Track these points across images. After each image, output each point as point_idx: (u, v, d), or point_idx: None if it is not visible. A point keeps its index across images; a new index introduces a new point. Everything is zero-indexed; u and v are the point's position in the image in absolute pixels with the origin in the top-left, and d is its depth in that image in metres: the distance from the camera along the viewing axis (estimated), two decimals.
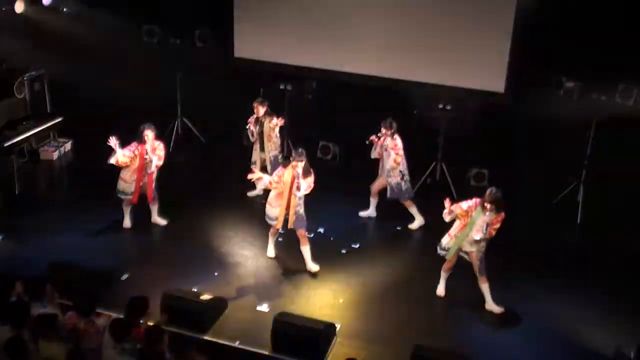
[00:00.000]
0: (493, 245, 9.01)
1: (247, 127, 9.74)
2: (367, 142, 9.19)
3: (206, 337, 7.24)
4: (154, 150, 8.87)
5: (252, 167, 9.90)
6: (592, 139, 9.87)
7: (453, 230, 7.83)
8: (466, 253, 7.85)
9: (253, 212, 9.87)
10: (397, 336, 7.43)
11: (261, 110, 9.61)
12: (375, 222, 9.75)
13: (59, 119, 11.26)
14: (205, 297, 7.44)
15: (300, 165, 8.10)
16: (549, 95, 9.88)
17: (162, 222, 9.39)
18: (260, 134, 9.71)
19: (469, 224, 7.63)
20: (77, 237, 9.01)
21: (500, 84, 10.58)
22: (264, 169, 9.72)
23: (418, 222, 9.63)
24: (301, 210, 8.31)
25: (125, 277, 8.24)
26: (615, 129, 9.60)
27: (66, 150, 11.72)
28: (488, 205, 7.44)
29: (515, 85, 10.51)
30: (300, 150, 8.22)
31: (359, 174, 10.99)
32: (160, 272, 8.37)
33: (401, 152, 9.14)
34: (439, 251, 7.96)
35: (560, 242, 9.40)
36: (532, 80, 10.17)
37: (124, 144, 8.81)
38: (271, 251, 8.76)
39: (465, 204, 7.70)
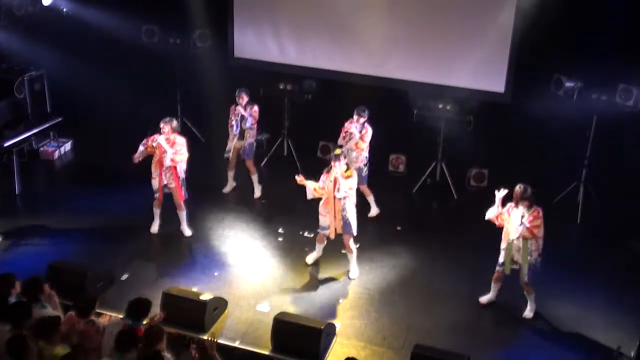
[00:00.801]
0: (493, 244, 9.03)
1: (232, 119, 9.77)
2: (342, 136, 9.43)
3: (206, 337, 7.24)
4: (173, 145, 8.71)
5: (226, 155, 10.06)
6: (592, 139, 9.87)
7: (502, 244, 7.67)
8: (516, 263, 7.62)
9: (254, 212, 9.88)
10: (397, 336, 7.44)
11: (245, 98, 9.69)
12: (375, 222, 9.74)
13: (59, 119, 11.25)
14: (205, 297, 7.44)
15: (338, 166, 7.98)
16: (549, 95, 9.87)
17: (188, 232, 9.22)
18: (241, 122, 9.78)
19: (509, 229, 7.51)
20: (77, 237, 9.01)
21: (500, 84, 10.58)
22: (237, 158, 10.05)
23: (374, 211, 9.79)
24: (347, 215, 8.14)
25: (125, 277, 8.24)
26: (615, 129, 9.60)
27: (66, 150, 11.72)
28: (520, 203, 7.37)
29: (515, 85, 10.51)
30: (335, 151, 8.17)
31: None
32: (160, 272, 8.39)
33: (367, 138, 9.26)
34: (498, 268, 7.76)
35: (560, 242, 9.39)
36: (532, 80, 10.17)
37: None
38: (311, 258, 8.67)
39: (505, 207, 7.57)
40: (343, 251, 8.92)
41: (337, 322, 7.52)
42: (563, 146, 10.01)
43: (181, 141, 8.82)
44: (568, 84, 9.60)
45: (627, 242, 9.33)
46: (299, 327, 7.03)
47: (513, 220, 7.46)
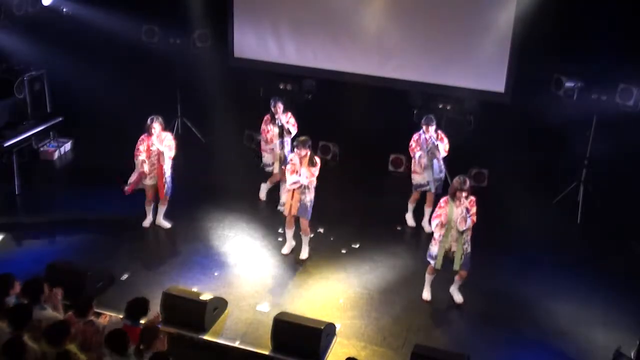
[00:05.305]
0: (493, 244, 9.03)
1: (266, 129, 9.58)
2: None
3: (206, 337, 7.25)
4: (162, 142, 8.87)
5: (269, 169, 9.84)
6: (592, 139, 9.87)
7: (437, 236, 7.72)
8: (452, 252, 7.71)
9: (254, 212, 9.87)
10: (397, 336, 7.43)
11: (281, 106, 9.54)
12: (375, 222, 9.74)
13: (59, 119, 11.25)
14: (205, 297, 7.44)
15: (299, 152, 8.27)
16: (549, 95, 9.88)
17: (166, 224, 9.33)
18: (281, 132, 9.58)
19: (447, 223, 7.56)
20: (76, 237, 9.01)
21: (500, 84, 10.59)
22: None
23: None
24: (305, 199, 8.38)
25: (125, 277, 8.24)
26: (615, 129, 9.60)
27: (66, 150, 11.72)
28: (462, 194, 7.42)
29: (515, 85, 10.52)
30: (303, 138, 8.38)
31: (359, 173, 11.02)
32: (160, 272, 8.38)
33: (447, 145, 9.24)
34: (429, 260, 7.84)
35: (560, 242, 9.40)
36: (532, 80, 10.17)
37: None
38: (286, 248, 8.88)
39: (438, 211, 7.65)
40: (343, 251, 8.94)
41: (337, 322, 7.51)
42: (563, 146, 10.01)
43: (169, 136, 9.03)
44: (568, 84, 9.61)
45: (627, 242, 9.33)
46: (299, 327, 7.03)
47: (456, 212, 7.49)
